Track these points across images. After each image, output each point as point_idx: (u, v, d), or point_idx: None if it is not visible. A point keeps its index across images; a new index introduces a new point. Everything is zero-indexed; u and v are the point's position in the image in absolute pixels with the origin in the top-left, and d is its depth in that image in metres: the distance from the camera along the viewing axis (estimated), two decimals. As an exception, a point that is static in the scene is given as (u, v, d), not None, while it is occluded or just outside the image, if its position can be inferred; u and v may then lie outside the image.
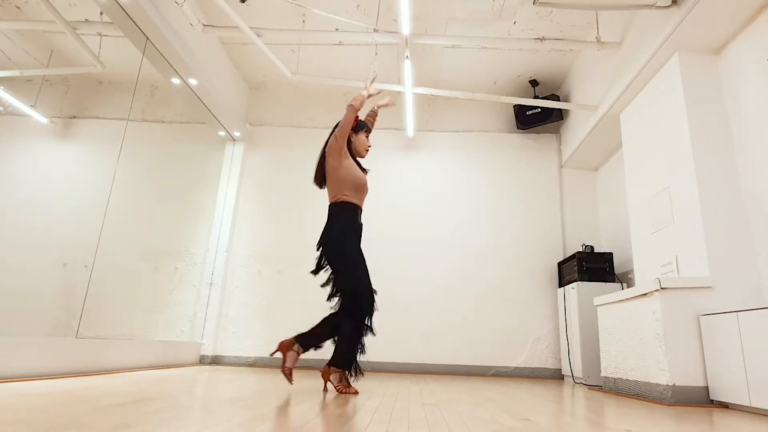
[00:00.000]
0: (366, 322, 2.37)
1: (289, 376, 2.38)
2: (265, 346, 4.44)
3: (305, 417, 1.47)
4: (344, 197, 2.47)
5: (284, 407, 1.67)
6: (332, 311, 2.46)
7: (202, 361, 4.31)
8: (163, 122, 4.93)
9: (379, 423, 1.43)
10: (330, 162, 2.52)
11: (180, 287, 4.59)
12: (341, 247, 2.39)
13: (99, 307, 4.25)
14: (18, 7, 3.68)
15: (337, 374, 2.31)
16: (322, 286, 2.51)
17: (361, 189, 2.53)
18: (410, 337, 4.43)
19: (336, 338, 2.40)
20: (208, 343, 4.36)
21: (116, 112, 4.75)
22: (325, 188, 2.61)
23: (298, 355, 2.41)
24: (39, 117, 4.56)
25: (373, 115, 2.81)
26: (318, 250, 2.47)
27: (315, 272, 2.49)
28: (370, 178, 2.68)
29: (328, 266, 2.45)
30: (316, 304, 4.53)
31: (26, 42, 4.01)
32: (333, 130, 2.59)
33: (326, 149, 2.56)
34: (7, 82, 4.13)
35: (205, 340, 4.37)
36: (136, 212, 4.70)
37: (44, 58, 4.16)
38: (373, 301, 2.39)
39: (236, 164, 4.92)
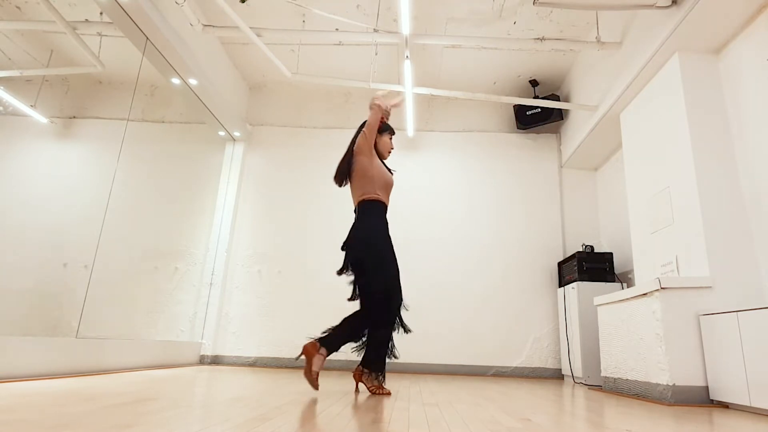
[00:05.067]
0: (396, 322, 2.37)
1: (314, 381, 2.26)
2: (265, 346, 4.44)
3: (305, 417, 1.47)
4: (376, 195, 2.46)
5: (284, 407, 1.67)
6: (355, 312, 2.41)
7: (202, 361, 4.31)
8: (163, 122, 4.93)
9: (380, 423, 1.43)
10: (361, 160, 2.49)
11: (180, 287, 4.59)
12: (377, 245, 2.38)
13: (99, 307, 4.25)
14: (18, 7, 3.68)
15: (371, 375, 2.30)
16: (351, 298, 2.46)
17: (389, 188, 2.56)
18: (410, 337, 4.41)
19: (365, 340, 2.36)
20: (208, 343, 4.36)
21: (116, 112, 4.75)
22: (345, 186, 2.59)
23: (324, 358, 2.30)
24: (39, 117, 4.56)
25: (386, 115, 2.74)
26: (347, 249, 2.41)
27: (340, 273, 2.44)
28: None
29: (354, 266, 2.40)
30: (316, 303, 4.54)
31: (26, 42, 4.01)
32: (359, 130, 2.59)
33: (355, 148, 2.53)
34: (7, 82, 4.13)
35: (205, 340, 4.37)
36: (136, 212, 4.70)
37: (44, 58, 4.16)
38: (401, 301, 2.39)
39: (236, 164, 4.92)
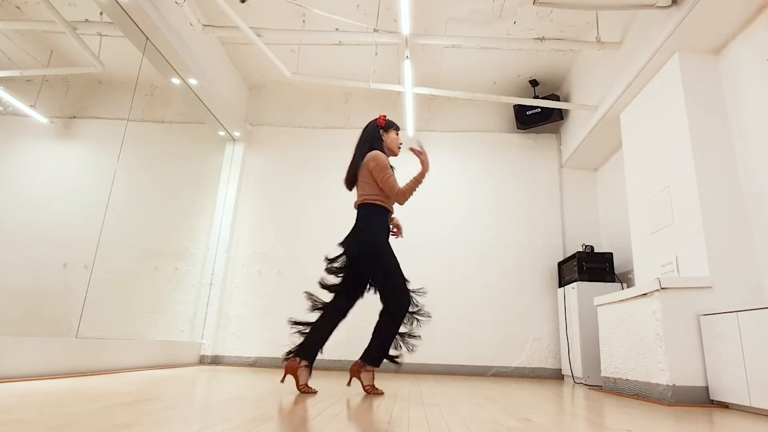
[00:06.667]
0: (405, 320, 2.36)
1: (308, 391, 2.25)
2: (265, 346, 4.44)
3: (305, 417, 1.47)
4: (380, 201, 2.47)
5: (284, 407, 1.67)
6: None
7: (202, 361, 4.31)
8: (163, 122, 4.93)
9: (380, 423, 1.43)
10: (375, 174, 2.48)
11: (180, 287, 4.59)
12: (385, 246, 2.39)
13: (99, 307, 4.25)
14: (18, 7, 3.68)
15: (370, 373, 2.29)
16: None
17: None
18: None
19: (373, 336, 2.33)
20: (208, 343, 4.36)
21: (116, 112, 4.76)
22: (354, 190, 2.60)
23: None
24: (39, 117, 4.56)
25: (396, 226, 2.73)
26: (350, 252, 2.41)
27: (332, 272, 2.47)
28: None
29: (359, 269, 2.40)
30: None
31: (26, 42, 4.01)
32: (365, 134, 2.59)
33: (369, 168, 2.47)
34: (7, 82, 4.14)
35: (205, 340, 4.37)
36: (136, 212, 4.70)
37: (44, 58, 4.16)
38: (410, 298, 2.38)
39: (236, 164, 4.92)
